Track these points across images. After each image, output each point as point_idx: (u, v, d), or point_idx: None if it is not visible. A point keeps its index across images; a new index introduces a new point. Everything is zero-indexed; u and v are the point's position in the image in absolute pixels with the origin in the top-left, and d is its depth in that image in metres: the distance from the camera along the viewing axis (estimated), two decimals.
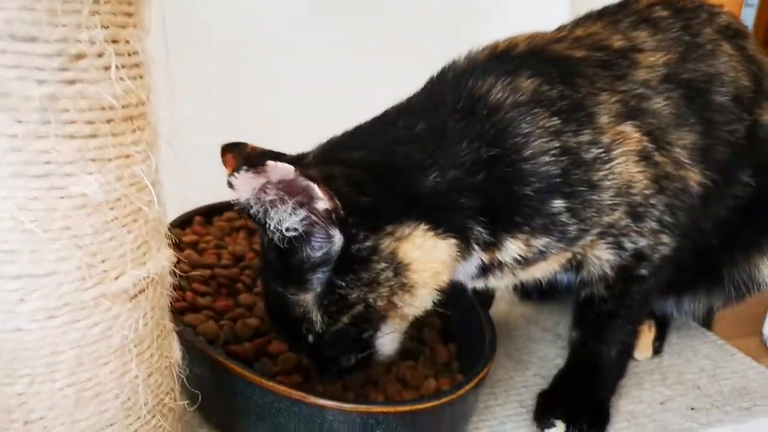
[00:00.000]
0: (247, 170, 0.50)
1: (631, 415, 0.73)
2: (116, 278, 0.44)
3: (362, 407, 0.55)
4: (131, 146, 0.43)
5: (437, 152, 0.59)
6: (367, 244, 0.55)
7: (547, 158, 0.60)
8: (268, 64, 1.18)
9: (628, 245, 0.67)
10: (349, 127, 0.65)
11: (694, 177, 0.67)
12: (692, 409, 0.75)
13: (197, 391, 0.55)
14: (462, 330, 0.74)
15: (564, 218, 0.61)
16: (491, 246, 0.61)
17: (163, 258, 0.48)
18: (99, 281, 0.43)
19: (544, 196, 0.60)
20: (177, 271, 0.51)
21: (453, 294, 0.68)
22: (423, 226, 0.57)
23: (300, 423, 0.57)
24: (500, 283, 0.69)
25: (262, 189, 0.51)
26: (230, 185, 0.51)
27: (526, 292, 0.97)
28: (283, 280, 0.57)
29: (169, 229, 0.84)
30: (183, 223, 0.88)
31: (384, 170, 0.58)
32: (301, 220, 0.53)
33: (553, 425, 0.67)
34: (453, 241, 0.59)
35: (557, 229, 0.62)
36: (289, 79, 1.18)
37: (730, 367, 0.84)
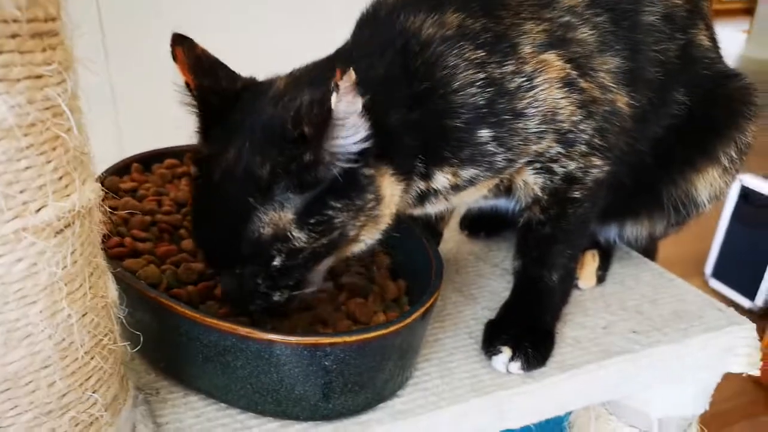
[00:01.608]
0: (342, 76, 0.49)
1: (575, 339, 0.75)
2: (37, 211, 0.41)
3: (310, 339, 0.55)
4: (42, 66, 0.40)
5: (391, 93, 0.61)
6: (370, 172, 0.58)
7: (473, 89, 0.62)
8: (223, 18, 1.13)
9: (558, 169, 0.69)
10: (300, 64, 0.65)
11: (621, 99, 0.68)
12: (634, 332, 0.78)
13: (138, 333, 0.54)
14: (411, 266, 0.74)
15: (491, 147, 0.64)
16: (425, 177, 0.64)
17: (89, 191, 0.45)
18: (18, 214, 0.40)
19: (472, 126, 0.62)
20: (109, 210, 0.49)
21: (401, 231, 0.69)
22: (390, 169, 0.60)
23: (248, 360, 0.56)
24: (435, 209, 0.72)
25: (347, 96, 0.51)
26: (336, 88, 0.50)
27: (475, 230, 0.97)
28: (263, 197, 0.55)
29: (105, 177, 0.80)
30: (120, 170, 0.84)
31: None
32: (359, 146, 0.55)
33: (499, 352, 0.68)
34: (404, 184, 0.62)
35: (485, 160, 0.64)
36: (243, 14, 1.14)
37: (670, 292, 0.87)
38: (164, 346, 0.62)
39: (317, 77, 0.61)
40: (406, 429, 0.62)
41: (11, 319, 0.42)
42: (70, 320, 0.45)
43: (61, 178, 0.42)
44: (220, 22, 1.13)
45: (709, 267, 2.33)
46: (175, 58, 0.60)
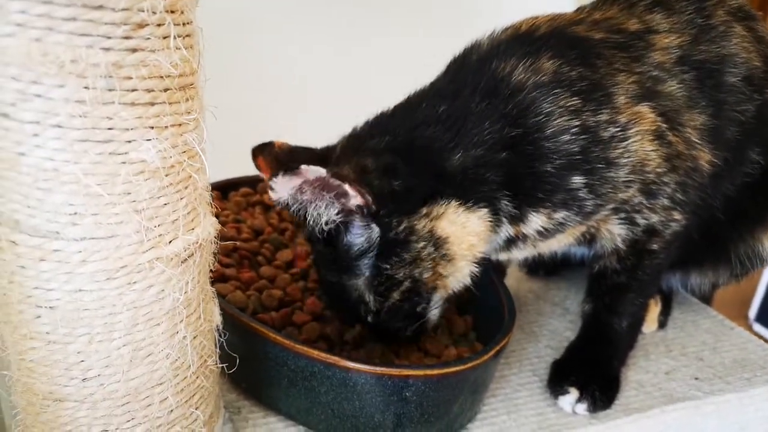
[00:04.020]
0: (284, 174, 0.54)
1: (638, 384, 0.76)
2: (170, 242, 0.45)
3: (394, 371, 0.57)
4: (184, 114, 0.44)
5: (461, 133, 0.62)
6: (403, 227, 0.60)
7: (567, 137, 0.62)
8: (273, 41, 1.19)
9: (641, 221, 0.69)
10: (371, 115, 0.68)
11: (704, 157, 0.69)
12: (696, 378, 0.78)
13: (235, 355, 0.57)
14: (478, 302, 0.77)
15: (582, 194, 0.64)
16: (517, 219, 0.65)
17: (209, 224, 0.50)
18: (154, 245, 0.44)
19: (565, 172, 0.63)
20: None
21: None
22: (454, 203, 0.62)
23: (332, 387, 0.59)
24: (521, 255, 0.73)
25: (300, 189, 0.56)
26: (271, 188, 0.55)
27: (534, 269, 0.99)
28: (336, 269, 0.63)
29: None
30: None
31: (412, 153, 0.61)
32: (337, 213, 0.57)
33: (566, 392, 0.70)
34: (484, 211, 0.63)
35: (575, 204, 0.65)
36: (292, 47, 1.20)
37: (730, 340, 0.87)
38: (249, 368, 0.65)
39: (358, 146, 0.64)
40: None
41: (138, 339, 0.46)
42: (185, 341, 0.49)
43: (189, 212, 0.47)
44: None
45: (753, 310, 2.27)
46: (258, 167, 0.69)
